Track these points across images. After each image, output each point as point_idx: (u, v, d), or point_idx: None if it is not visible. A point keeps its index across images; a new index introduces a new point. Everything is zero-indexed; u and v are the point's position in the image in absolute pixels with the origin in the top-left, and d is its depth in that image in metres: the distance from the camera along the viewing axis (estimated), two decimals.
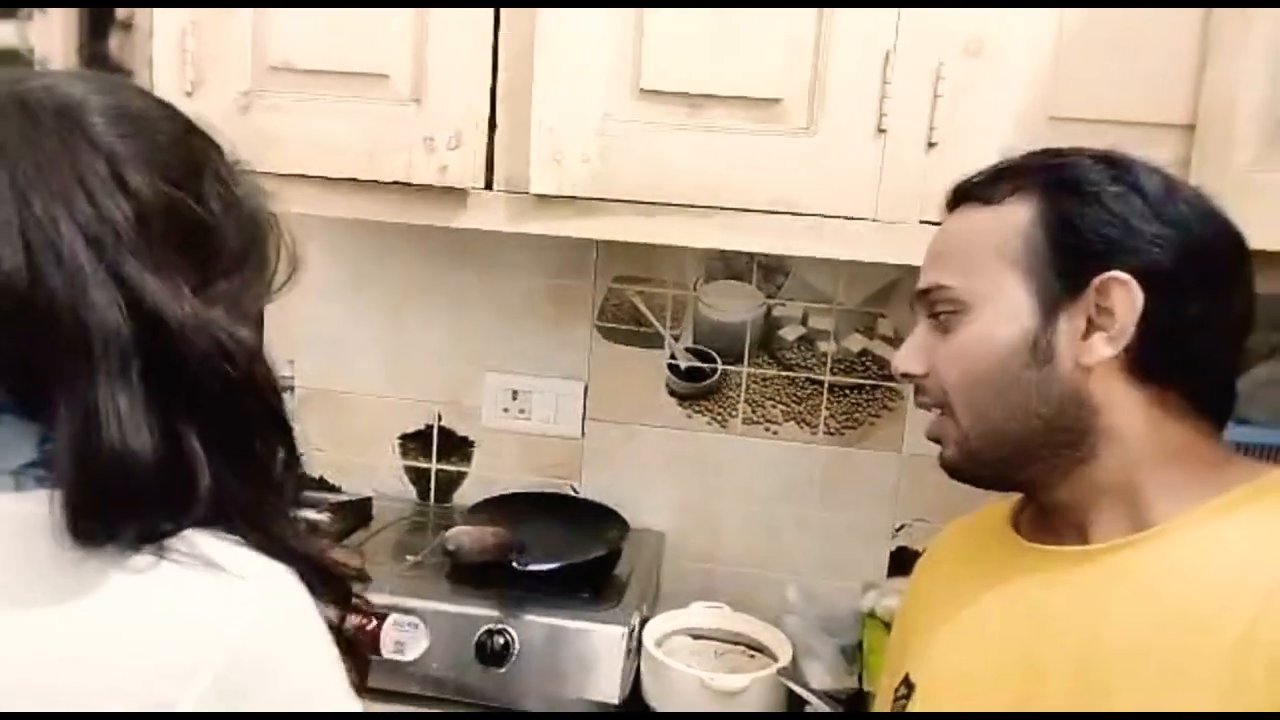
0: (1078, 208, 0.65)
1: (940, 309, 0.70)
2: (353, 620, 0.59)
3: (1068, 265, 0.65)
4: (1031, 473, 0.69)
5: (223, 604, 0.48)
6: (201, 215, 0.53)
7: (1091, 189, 0.65)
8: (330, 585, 0.55)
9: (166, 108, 0.56)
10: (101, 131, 0.50)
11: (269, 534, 0.52)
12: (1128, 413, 0.65)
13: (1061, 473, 0.67)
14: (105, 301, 0.47)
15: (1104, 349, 0.64)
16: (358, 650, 0.58)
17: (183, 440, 0.49)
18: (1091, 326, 0.65)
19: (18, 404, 0.49)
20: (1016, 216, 0.67)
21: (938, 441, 0.73)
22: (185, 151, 0.54)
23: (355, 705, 0.52)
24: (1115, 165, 0.67)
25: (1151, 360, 0.64)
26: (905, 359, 0.72)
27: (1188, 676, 0.58)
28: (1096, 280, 0.64)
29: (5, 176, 0.47)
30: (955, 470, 0.72)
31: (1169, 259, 0.64)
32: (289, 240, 0.60)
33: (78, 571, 0.47)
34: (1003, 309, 0.67)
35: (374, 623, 0.66)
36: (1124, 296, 0.63)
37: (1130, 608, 0.62)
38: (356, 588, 0.60)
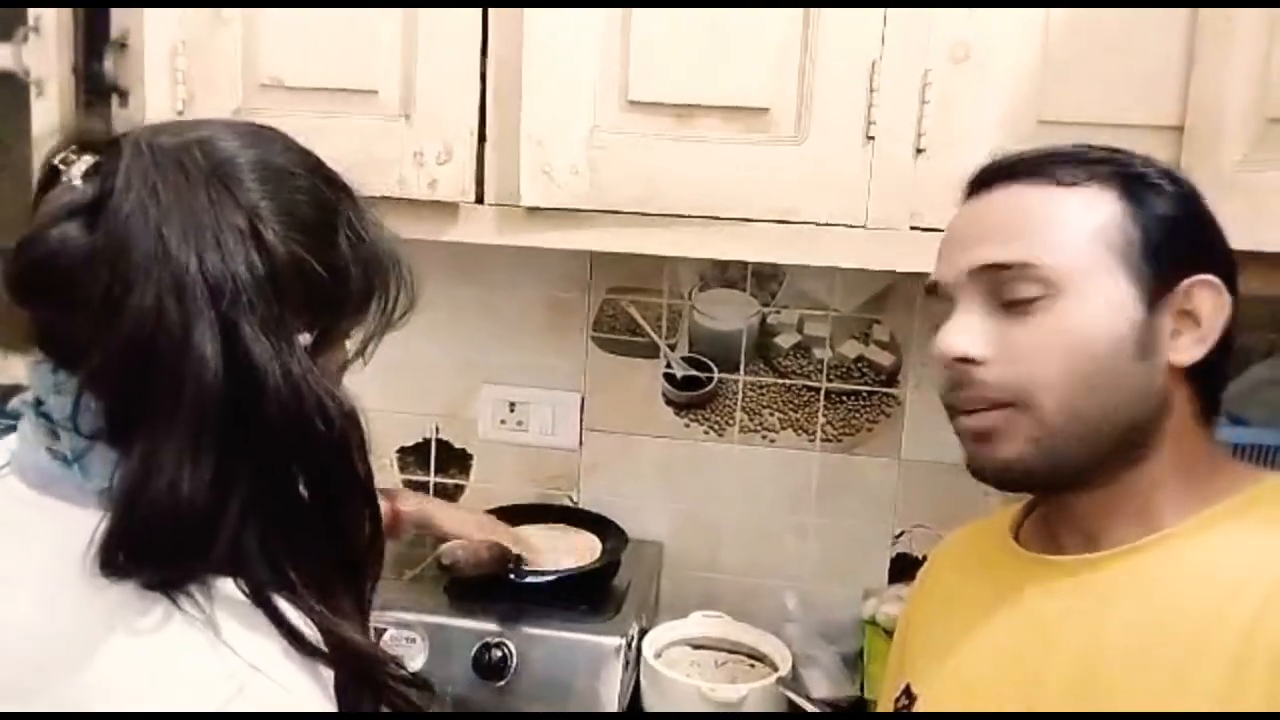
0: (1160, 205, 0.64)
1: (1017, 290, 0.63)
2: None
3: (1161, 263, 0.63)
4: (1093, 473, 0.64)
5: (204, 673, 0.47)
6: (332, 270, 0.55)
7: (1166, 189, 0.65)
8: (367, 684, 0.54)
9: (307, 157, 0.58)
10: (248, 189, 0.53)
11: (316, 615, 0.51)
12: (1182, 416, 0.65)
13: (1113, 473, 0.64)
14: (208, 352, 0.49)
15: (1194, 350, 0.63)
16: None
17: (233, 492, 0.50)
18: (1174, 327, 0.64)
19: (111, 432, 0.51)
20: (1108, 204, 0.63)
21: (985, 438, 0.64)
22: (320, 205, 0.57)
23: None
24: (1164, 168, 0.67)
25: (1207, 364, 0.64)
26: (966, 341, 0.64)
27: (1186, 683, 0.58)
28: (1188, 281, 0.63)
29: (154, 226, 0.50)
30: (1022, 471, 0.64)
31: (1222, 262, 0.65)
32: (409, 275, 0.62)
33: (92, 599, 0.48)
34: (1105, 297, 0.62)
35: None
36: (1214, 300, 0.63)
37: (1129, 615, 0.62)
38: (415, 695, 0.59)
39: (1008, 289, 0.63)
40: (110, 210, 0.50)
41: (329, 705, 0.51)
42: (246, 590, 0.50)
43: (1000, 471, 0.65)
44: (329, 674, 0.52)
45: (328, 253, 0.55)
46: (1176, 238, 0.64)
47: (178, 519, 0.48)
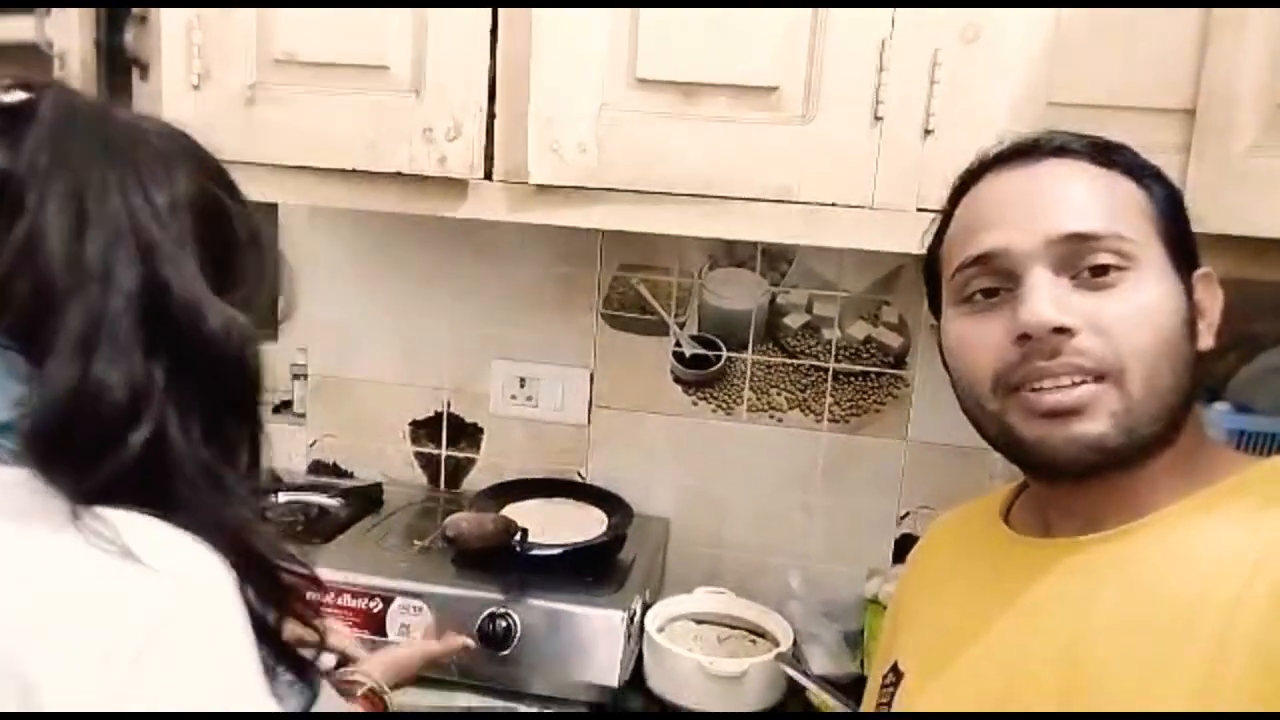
0: (1179, 203, 0.67)
1: (1102, 259, 0.61)
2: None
3: (1185, 253, 0.65)
4: (1144, 456, 0.63)
5: (132, 597, 0.48)
6: (227, 230, 0.62)
7: (1178, 189, 0.67)
8: (268, 584, 0.57)
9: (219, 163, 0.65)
10: (165, 144, 0.60)
11: (214, 514, 0.54)
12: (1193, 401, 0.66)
13: (1151, 456, 0.64)
14: (126, 262, 0.54)
15: (1208, 338, 0.65)
16: (295, 655, 0.59)
17: (149, 391, 0.53)
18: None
19: (22, 344, 0.54)
20: (1150, 192, 0.66)
21: (1071, 414, 0.61)
22: (219, 176, 0.63)
23: (270, 706, 0.53)
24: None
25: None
26: (1057, 311, 0.61)
27: (1168, 666, 0.58)
28: (1198, 273, 0.66)
29: (80, 159, 0.55)
30: (1104, 449, 0.62)
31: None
32: (289, 298, 0.68)
33: (21, 529, 0.50)
34: (1164, 276, 0.63)
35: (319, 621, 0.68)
36: (1215, 292, 0.66)
37: (1113, 599, 0.62)
38: (310, 595, 0.62)
39: (1089, 258, 0.61)
40: (31, 134, 0.55)
41: (240, 602, 0.53)
42: (163, 488, 0.53)
43: (1089, 449, 0.61)
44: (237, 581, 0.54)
45: (226, 217, 0.62)
46: (1189, 233, 0.67)
47: (105, 406, 0.51)
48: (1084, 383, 0.61)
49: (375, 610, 1.15)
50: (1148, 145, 0.69)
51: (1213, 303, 0.66)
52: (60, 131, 0.55)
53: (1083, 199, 0.64)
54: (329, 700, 0.72)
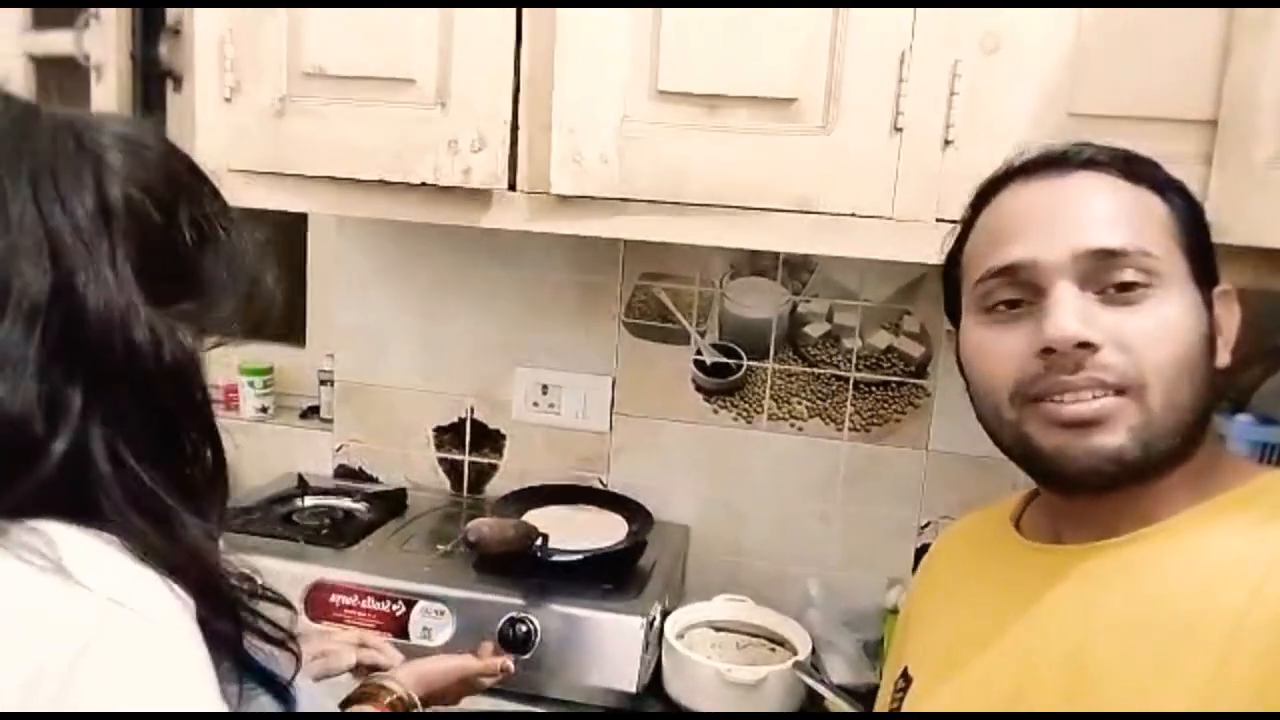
0: (1202, 220, 0.67)
1: (1127, 276, 0.62)
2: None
3: (1205, 269, 0.66)
4: (1163, 469, 0.64)
5: (61, 615, 0.46)
6: (168, 232, 0.57)
7: (1199, 204, 0.67)
8: (221, 605, 0.54)
9: (176, 150, 0.60)
10: (93, 142, 0.55)
11: (148, 538, 0.51)
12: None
13: (1171, 469, 0.64)
14: (33, 268, 0.50)
15: (1225, 355, 0.66)
16: (262, 670, 0.57)
17: (64, 406, 0.50)
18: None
19: None
20: (1175, 208, 0.66)
21: (1090, 426, 0.62)
22: (169, 177, 0.58)
23: None
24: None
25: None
26: (1082, 326, 0.61)
27: (1175, 674, 0.58)
28: (1217, 290, 0.66)
29: None
30: (1122, 462, 0.62)
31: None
32: (271, 299, 0.63)
33: None
34: (1188, 293, 0.63)
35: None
36: (1235, 309, 0.66)
37: (1120, 605, 0.62)
38: (279, 615, 0.59)
39: (1116, 274, 0.62)
40: None
41: (195, 633, 0.51)
42: (94, 511, 0.50)
43: (1107, 461, 0.62)
44: (190, 601, 0.52)
45: (167, 215, 0.56)
46: (1210, 248, 0.67)
47: (2, 422, 0.49)
48: (1105, 395, 0.61)
49: (398, 613, 1.16)
50: (1169, 155, 0.69)
51: (1231, 320, 0.66)
52: None
53: (1110, 214, 0.64)
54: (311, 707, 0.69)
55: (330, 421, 1.55)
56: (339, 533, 1.31)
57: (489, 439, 1.50)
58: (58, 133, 0.54)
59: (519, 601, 1.15)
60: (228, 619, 0.55)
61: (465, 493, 1.52)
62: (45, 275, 0.51)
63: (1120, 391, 0.61)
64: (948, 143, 0.96)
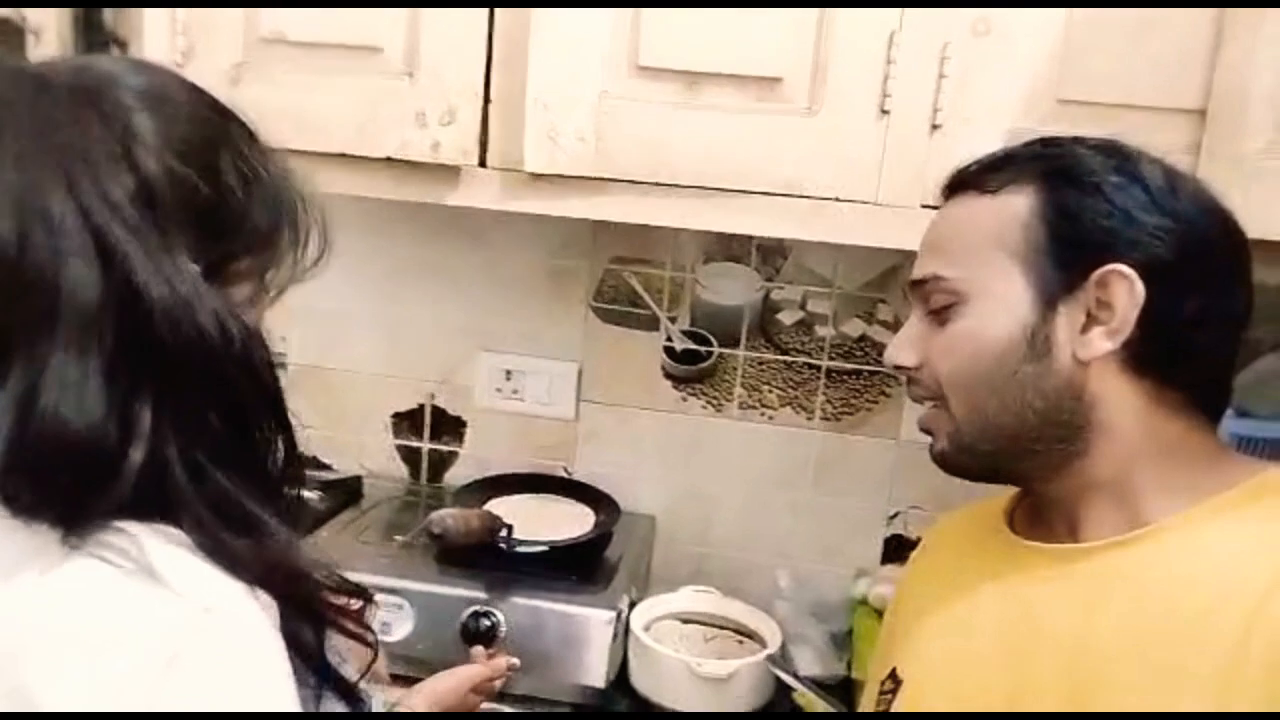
0: (1077, 198, 0.63)
1: (936, 300, 0.68)
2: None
3: (1067, 257, 0.63)
4: (1024, 467, 0.68)
5: (152, 622, 0.45)
6: (216, 192, 0.53)
7: (1092, 179, 0.63)
8: (308, 606, 0.53)
9: (196, 91, 0.56)
10: (115, 107, 0.50)
11: (249, 545, 0.50)
12: (1123, 408, 0.64)
13: (1054, 467, 0.66)
14: (83, 273, 0.47)
15: (1103, 343, 0.63)
16: (341, 679, 0.56)
17: (135, 419, 0.47)
18: (1090, 320, 0.63)
19: None
20: (1015, 206, 0.65)
21: (929, 433, 0.71)
22: (202, 128, 0.54)
23: None
24: (1116, 155, 0.65)
25: (1149, 355, 0.63)
26: (898, 351, 0.71)
27: (1180, 677, 0.57)
28: (1096, 273, 0.62)
29: (12, 147, 0.48)
30: (947, 463, 0.70)
31: (1170, 252, 0.62)
32: (321, 221, 0.60)
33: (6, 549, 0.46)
34: (1000, 301, 0.65)
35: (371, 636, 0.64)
36: (1124, 290, 0.61)
37: (1123, 607, 0.61)
38: (355, 605, 0.59)
39: (931, 299, 0.68)
40: None
41: (278, 640, 0.50)
42: (176, 521, 0.48)
43: (939, 463, 0.71)
44: (271, 604, 0.50)
45: (211, 174, 0.53)
46: (1094, 230, 0.63)
47: (70, 444, 0.46)
48: (930, 407, 0.70)
49: (354, 607, 1.11)
50: (1158, 145, 0.67)
51: (1125, 303, 0.61)
52: None
53: (932, 244, 0.71)
54: None
55: None
56: (291, 523, 1.25)
57: (450, 426, 1.45)
58: (77, 106, 0.49)
59: (482, 595, 1.11)
60: (310, 624, 0.54)
61: (424, 481, 1.47)
62: (97, 281, 0.47)
63: (939, 402, 0.68)
64: (935, 127, 0.93)
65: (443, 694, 0.89)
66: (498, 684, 0.97)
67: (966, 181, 0.69)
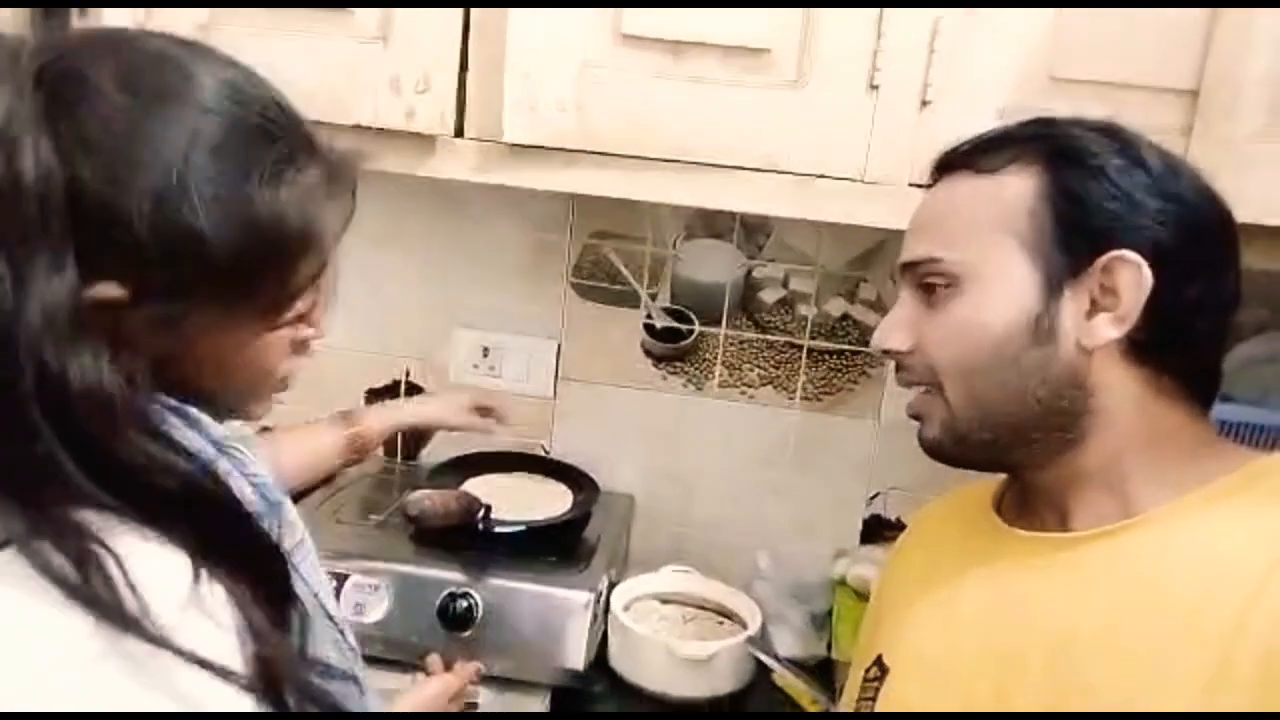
0: (1083, 181, 0.62)
1: (930, 282, 0.66)
2: None
3: (1072, 242, 0.62)
4: (1018, 455, 0.66)
5: None
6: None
7: (1096, 162, 0.62)
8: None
9: (235, 90, 0.54)
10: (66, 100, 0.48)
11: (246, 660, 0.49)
12: (1122, 396, 0.63)
13: (1048, 455, 0.65)
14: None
15: (1108, 330, 0.61)
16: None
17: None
18: (1095, 306, 0.62)
19: None
20: (1017, 188, 0.63)
21: (918, 419, 0.69)
22: (233, 135, 0.51)
23: None
24: (1117, 138, 0.63)
25: (1151, 342, 0.62)
26: (888, 334, 0.68)
27: (1170, 666, 0.56)
28: (1103, 259, 0.61)
29: None
30: (938, 450, 0.68)
31: (1173, 237, 0.61)
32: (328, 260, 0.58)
33: None
34: (1002, 286, 0.63)
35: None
36: (1131, 277, 0.60)
37: (1112, 596, 0.60)
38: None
39: (927, 281, 0.66)
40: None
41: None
42: None
43: (929, 450, 0.69)
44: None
45: (137, 191, 0.48)
46: (1099, 214, 0.61)
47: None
48: (923, 392, 0.67)
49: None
50: (1149, 126, 0.66)
51: (1131, 291, 0.60)
52: None
53: (925, 223, 0.68)
54: None
55: None
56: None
57: None
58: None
59: (459, 576, 1.09)
60: None
61: (399, 459, 1.44)
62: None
63: (933, 388, 0.66)
64: (925, 103, 0.91)
65: (422, 709, 0.89)
66: (472, 689, 0.99)
67: (961, 160, 0.67)
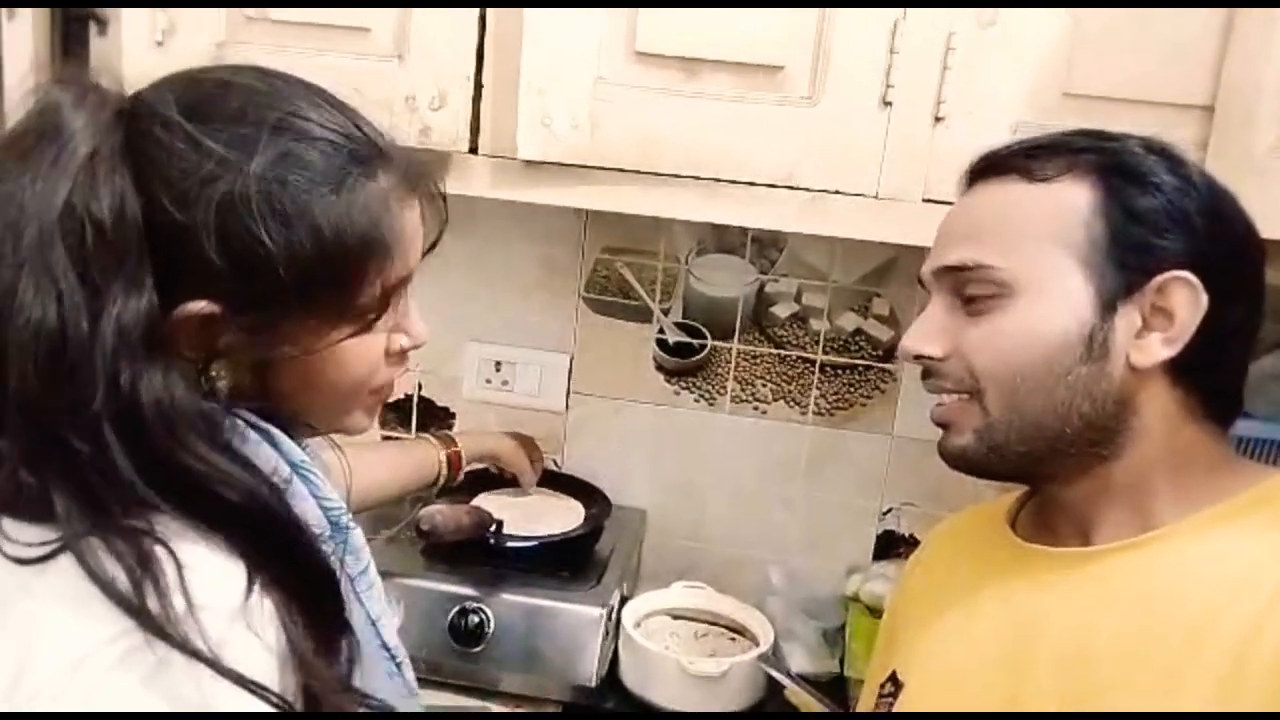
0: (1140, 198, 0.61)
1: (973, 289, 0.64)
2: None
3: (1129, 259, 0.61)
4: (1049, 467, 0.65)
5: None
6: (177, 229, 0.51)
7: (1153, 179, 0.61)
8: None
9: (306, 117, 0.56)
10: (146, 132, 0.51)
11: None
12: (1159, 413, 0.63)
13: (1081, 470, 0.64)
14: (31, 298, 0.47)
15: (1161, 350, 0.61)
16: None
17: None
18: (1146, 325, 0.61)
19: None
20: (1073, 199, 0.62)
21: (944, 426, 0.67)
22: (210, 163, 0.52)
23: None
24: (1168, 156, 0.63)
25: (1193, 363, 0.61)
26: (922, 339, 0.66)
27: (1183, 681, 0.56)
28: (1160, 278, 0.60)
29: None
30: (964, 458, 0.66)
31: (1222, 259, 0.61)
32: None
33: None
34: (1057, 298, 0.62)
35: None
36: (1189, 298, 0.60)
37: (1127, 611, 0.60)
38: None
39: (967, 288, 0.64)
40: None
41: None
42: None
43: (954, 458, 0.67)
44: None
45: (197, 220, 0.51)
46: (1155, 232, 0.61)
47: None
48: (954, 400, 0.66)
49: None
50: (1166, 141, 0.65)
51: (1186, 312, 0.60)
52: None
53: (969, 229, 0.66)
54: None
55: None
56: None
57: (437, 417, 1.42)
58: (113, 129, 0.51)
59: (471, 591, 1.09)
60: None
61: None
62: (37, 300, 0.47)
63: (969, 396, 0.64)
64: (938, 119, 0.92)
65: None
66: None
67: (1006, 165, 0.66)
